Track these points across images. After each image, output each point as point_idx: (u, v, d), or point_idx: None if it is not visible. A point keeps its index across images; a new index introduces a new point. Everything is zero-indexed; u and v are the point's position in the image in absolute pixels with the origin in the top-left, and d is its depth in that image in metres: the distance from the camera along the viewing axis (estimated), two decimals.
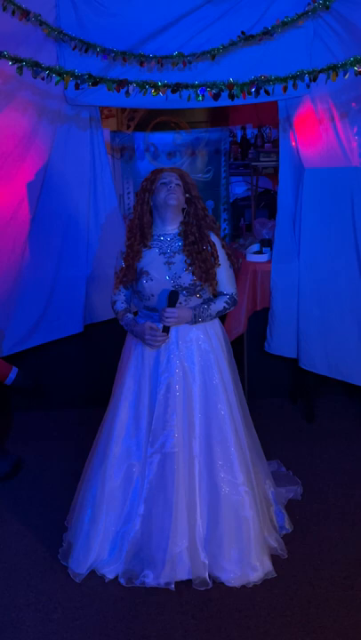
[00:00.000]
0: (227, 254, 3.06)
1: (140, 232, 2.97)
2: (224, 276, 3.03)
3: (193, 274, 2.91)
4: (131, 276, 3.00)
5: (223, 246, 3.04)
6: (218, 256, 2.98)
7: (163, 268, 2.94)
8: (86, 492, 3.09)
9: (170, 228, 3.00)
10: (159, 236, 3.00)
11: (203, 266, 2.92)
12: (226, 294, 3.05)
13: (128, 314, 3.06)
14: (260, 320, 4.58)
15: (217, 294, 3.05)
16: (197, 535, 2.94)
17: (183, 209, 2.99)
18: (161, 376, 2.94)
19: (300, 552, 3.17)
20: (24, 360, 4.25)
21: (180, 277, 2.92)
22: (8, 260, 4.24)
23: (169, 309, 2.85)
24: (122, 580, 2.97)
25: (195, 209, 2.99)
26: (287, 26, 3.68)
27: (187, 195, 2.98)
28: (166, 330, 2.90)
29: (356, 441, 4.25)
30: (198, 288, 2.94)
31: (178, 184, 2.94)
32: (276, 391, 4.86)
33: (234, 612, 2.81)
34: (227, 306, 3.04)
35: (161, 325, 2.90)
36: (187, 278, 2.92)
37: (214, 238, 3.00)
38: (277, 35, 3.73)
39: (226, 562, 2.97)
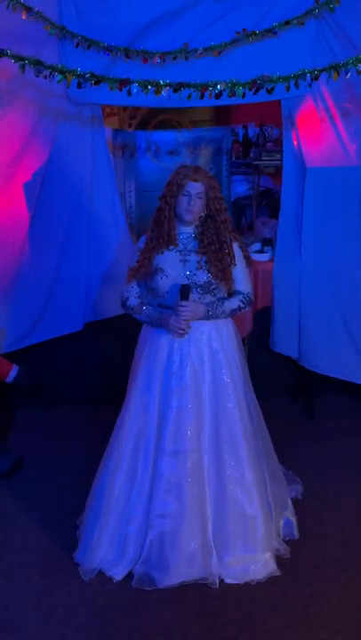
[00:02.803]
0: (244, 256, 3.06)
1: (167, 236, 2.94)
2: (240, 275, 3.03)
3: (208, 271, 2.91)
4: (146, 269, 2.98)
5: (240, 247, 3.04)
6: (234, 256, 2.97)
7: (178, 265, 2.93)
8: (95, 492, 3.11)
9: (187, 228, 2.99)
10: (177, 234, 2.99)
11: (219, 264, 2.91)
12: (241, 293, 3.04)
13: (147, 306, 3.02)
14: (261, 319, 4.57)
15: (232, 293, 3.05)
16: (208, 534, 2.96)
17: (201, 214, 2.96)
18: (173, 376, 2.94)
19: (301, 551, 3.17)
20: (24, 358, 4.25)
21: (195, 275, 2.91)
22: (7, 258, 4.24)
23: (182, 302, 2.84)
24: (135, 583, 2.96)
25: (215, 217, 2.94)
26: (290, 25, 3.67)
27: (203, 213, 2.94)
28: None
29: (357, 440, 4.25)
30: (213, 286, 2.93)
31: (200, 198, 2.89)
32: (277, 390, 4.84)
33: (234, 611, 2.82)
34: (242, 304, 3.03)
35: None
36: (202, 276, 2.91)
37: (232, 240, 2.99)
38: (280, 33, 3.72)
39: (231, 559, 2.99)
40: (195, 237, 2.98)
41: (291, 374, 4.78)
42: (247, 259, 3.08)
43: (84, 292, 4.47)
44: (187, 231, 2.99)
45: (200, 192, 2.89)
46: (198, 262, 2.92)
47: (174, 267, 2.93)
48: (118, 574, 3.01)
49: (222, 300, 3.00)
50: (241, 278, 3.04)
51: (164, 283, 2.93)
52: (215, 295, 2.97)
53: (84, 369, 4.77)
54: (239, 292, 3.04)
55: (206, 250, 2.93)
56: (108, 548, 3.03)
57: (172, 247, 2.95)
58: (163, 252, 2.95)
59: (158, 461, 2.95)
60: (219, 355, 2.99)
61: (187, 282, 2.89)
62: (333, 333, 4.31)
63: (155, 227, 2.98)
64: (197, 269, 2.92)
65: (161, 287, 2.94)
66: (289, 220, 4.34)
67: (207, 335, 2.98)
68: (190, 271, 2.92)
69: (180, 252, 2.96)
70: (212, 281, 2.92)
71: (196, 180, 2.88)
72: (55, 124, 4.20)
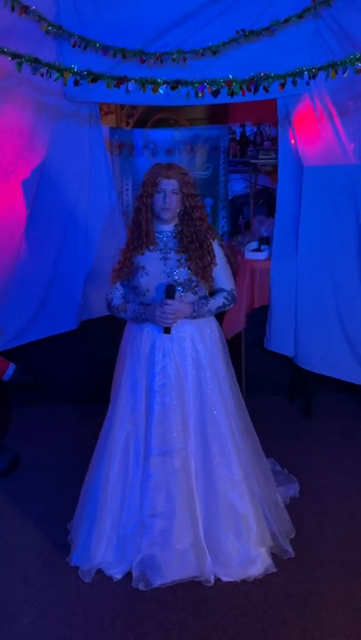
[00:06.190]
0: (225, 254, 3.06)
1: (146, 237, 2.94)
2: (222, 273, 3.03)
3: (189, 268, 2.91)
4: (128, 269, 2.98)
5: (221, 245, 3.04)
6: (215, 255, 2.97)
7: (159, 263, 2.94)
8: (88, 495, 3.11)
9: (166, 226, 3.00)
10: (156, 233, 2.99)
11: (199, 262, 2.92)
12: (225, 290, 3.05)
13: (131, 303, 3.02)
14: (257, 318, 4.58)
15: (215, 292, 3.05)
16: (199, 532, 2.96)
17: (179, 210, 2.97)
18: (157, 375, 2.95)
19: (298, 550, 3.17)
20: (19, 356, 4.25)
21: (175, 272, 2.92)
22: (5, 256, 4.23)
23: (169, 300, 2.84)
24: (134, 584, 2.95)
25: (190, 214, 2.94)
26: (288, 23, 3.67)
27: (179, 209, 2.94)
28: (168, 330, 2.89)
29: (353, 438, 4.26)
30: (194, 284, 2.94)
31: (175, 194, 2.89)
32: (273, 389, 4.86)
33: (231, 610, 2.81)
34: (226, 302, 3.04)
35: (162, 329, 2.91)
36: (182, 274, 2.92)
37: (211, 238, 2.99)
38: (278, 32, 3.71)
39: (225, 557, 2.99)
40: (175, 236, 2.98)
41: (288, 373, 4.78)
42: (228, 256, 3.08)
43: (80, 290, 4.47)
44: (167, 230, 2.99)
45: (175, 188, 2.89)
46: (178, 260, 2.93)
47: (155, 264, 2.94)
48: (118, 573, 3.02)
49: (207, 298, 3.01)
50: (223, 276, 3.04)
51: (145, 280, 2.93)
52: (197, 293, 2.97)
53: (80, 367, 4.77)
54: (222, 290, 3.05)
55: (186, 248, 2.93)
56: (106, 551, 3.04)
57: (152, 247, 2.96)
58: (143, 253, 2.96)
59: (146, 462, 2.96)
60: (202, 353, 3.00)
61: (168, 279, 2.90)
62: (330, 333, 4.31)
63: (134, 227, 2.99)
64: (178, 267, 2.92)
65: (142, 285, 2.94)
66: (285, 218, 4.34)
67: (190, 335, 2.98)
68: (171, 268, 2.92)
69: (160, 250, 2.96)
70: (193, 278, 2.93)
71: (169, 177, 2.88)
72: (53, 122, 4.19)
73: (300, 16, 3.69)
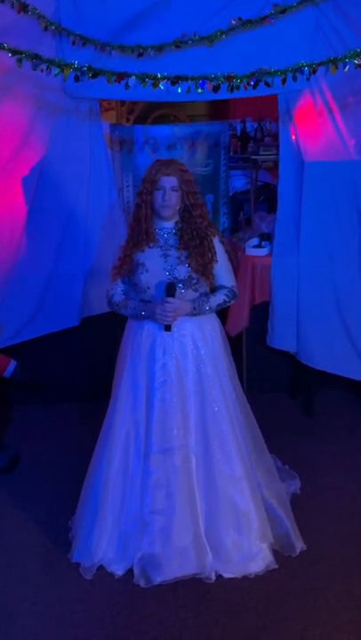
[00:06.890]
0: (225, 250, 3.04)
1: (145, 234, 2.93)
2: (223, 269, 3.02)
3: (189, 265, 2.90)
4: (128, 266, 2.97)
5: (222, 242, 3.03)
6: (215, 252, 2.96)
7: (159, 260, 2.92)
8: (89, 493, 3.11)
9: (167, 223, 2.98)
10: (156, 230, 2.98)
11: (200, 259, 2.90)
12: (225, 287, 3.03)
13: (132, 300, 3.00)
14: (258, 314, 4.57)
15: (215, 288, 3.04)
16: (200, 529, 2.96)
17: (179, 207, 2.95)
18: (157, 372, 2.94)
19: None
20: (19, 355, 4.24)
21: (175, 270, 2.90)
22: (5, 253, 4.22)
23: (169, 298, 2.83)
24: (135, 581, 2.95)
25: (190, 211, 2.93)
26: (286, 13, 3.64)
27: (179, 206, 2.93)
28: (168, 328, 2.88)
29: (355, 436, 4.25)
30: (194, 281, 2.93)
31: (175, 191, 2.88)
32: (275, 386, 4.85)
33: (231, 607, 2.81)
34: (227, 299, 3.02)
35: (162, 327, 2.89)
36: (183, 271, 2.90)
37: (212, 235, 2.98)
38: (276, 22, 3.69)
39: (226, 554, 2.99)
40: (175, 233, 2.97)
41: (289, 370, 4.77)
42: (228, 253, 3.08)
43: (80, 287, 4.46)
44: (167, 227, 2.98)
45: (174, 185, 2.88)
46: (179, 257, 2.92)
47: (155, 262, 2.92)
48: (119, 570, 3.02)
49: (207, 295, 3.00)
50: (224, 273, 3.04)
51: (145, 278, 2.92)
52: (197, 290, 2.96)
53: (80, 366, 4.76)
54: (223, 287, 3.04)
55: (187, 245, 2.92)
56: (107, 547, 3.04)
57: (152, 244, 2.94)
58: (144, 250, 2.94)
59: (147, 459, 2.96)
60: (203, 350, 2.99)
61: (167, 276, 2.89)
62: (331, 329, 4.29)
63: (134, 224, 2.98)
64: (178, 264, 2.91)
65: (143, 282, 2.93)
66: (286, 215, 4.32)
67: (190, 332, 2.97)
68: (171, 266, 2.91)
69: (160, 247, 2.95)
70: (193, 275, 2.91)
71: (168, 175, 2.87)
72: (53, 118, 4.17)
73: (298, 7, 3.66)
